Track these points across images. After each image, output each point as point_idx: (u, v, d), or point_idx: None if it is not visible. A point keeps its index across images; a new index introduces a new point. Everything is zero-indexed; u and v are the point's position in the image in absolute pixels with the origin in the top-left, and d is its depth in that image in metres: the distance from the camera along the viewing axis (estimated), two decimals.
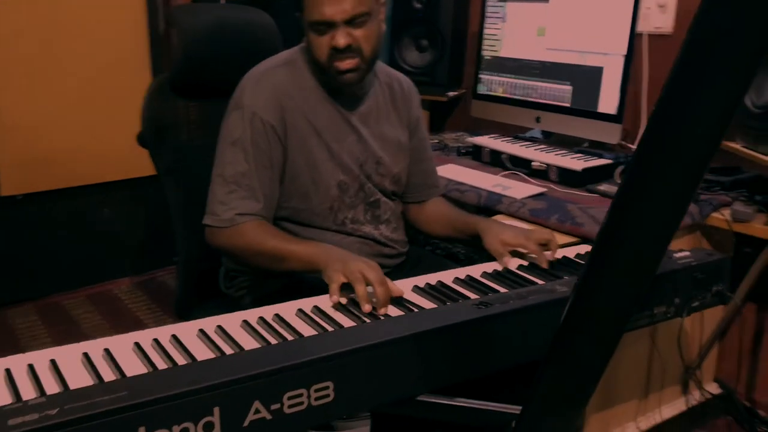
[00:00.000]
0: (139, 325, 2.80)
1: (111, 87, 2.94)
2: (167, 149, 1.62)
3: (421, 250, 1.86)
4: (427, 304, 1.24)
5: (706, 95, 0.78)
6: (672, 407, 2.10)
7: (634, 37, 2.05)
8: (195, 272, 1.68)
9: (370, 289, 1.21)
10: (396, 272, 1.66)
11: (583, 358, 1.03)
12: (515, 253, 1.50)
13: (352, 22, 1.40)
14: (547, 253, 1.44)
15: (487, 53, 2.49)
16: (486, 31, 2.48)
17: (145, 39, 2.99)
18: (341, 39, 1.40)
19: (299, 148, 1.48)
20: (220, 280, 1.66)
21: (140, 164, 3.05)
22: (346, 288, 1.23)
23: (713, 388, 2.20)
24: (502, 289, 1.31)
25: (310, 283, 1.42)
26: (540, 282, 1.36)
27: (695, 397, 2.17)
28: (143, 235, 3.22)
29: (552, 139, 2.41)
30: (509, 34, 2.41)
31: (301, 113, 1.48)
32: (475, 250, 1.85)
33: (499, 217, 1.93)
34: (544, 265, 1.41)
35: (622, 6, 2.06)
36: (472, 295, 1.28)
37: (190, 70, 1.62)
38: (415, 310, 1.20)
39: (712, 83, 0.77)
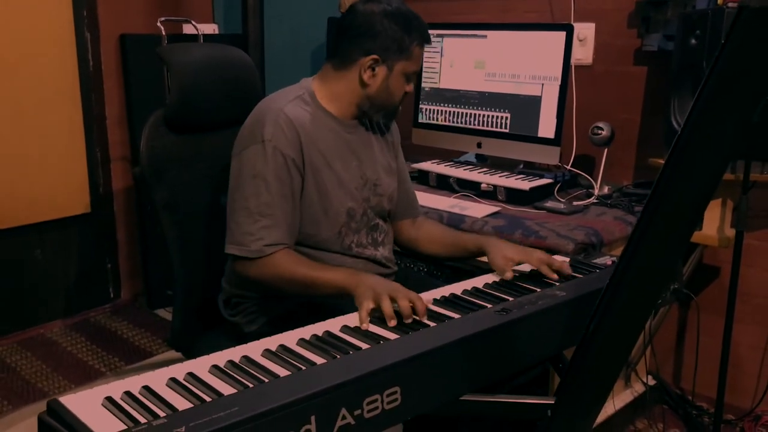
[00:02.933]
0: (83, 367, 2.73)
1: (40, 126, 2.87)
2: (165, 184, 1.65)
3: (406, 269, 1.98)
4: (453, 314, 1.36)
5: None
6: (620, 399, 2.32)
7: (569, 67, 2.28)
8: (193, 304, 1.71)
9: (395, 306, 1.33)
10: None
11: (612, 348, 1.20)
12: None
13: None
14: (563, 265, 1.55)
15: (426, 85, 2.66)
16: (425, 64, 2.65)
17: (75, 76, 2.95)
18: (413, 87, 1.69)
19: (313, 178, 1.58)
20: (221, 307, 1.70)
21: (70, 204, 3.01)
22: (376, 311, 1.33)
23: (649, 381, 2.44)
24: (509, 298, 1.45)
25: (315, 306, 1.50)
26: (537, 289, 1.51)
27: (636, 389, 2.40)
28: (74, 274, 3.13)
29: (489, 162, 2.61)
30: (447, 66, 2.60)
31: (314, 145, 1.57)
32: (452, 270, 2.01)
33: None
34: (553, 278, 1.53)
35: (556, 40, 2.29)
36: (486, 304, 1.41)
37: (184, 106, 1.67)
38: (445, 320, 1.32)
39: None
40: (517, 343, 1.35)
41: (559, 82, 2.30)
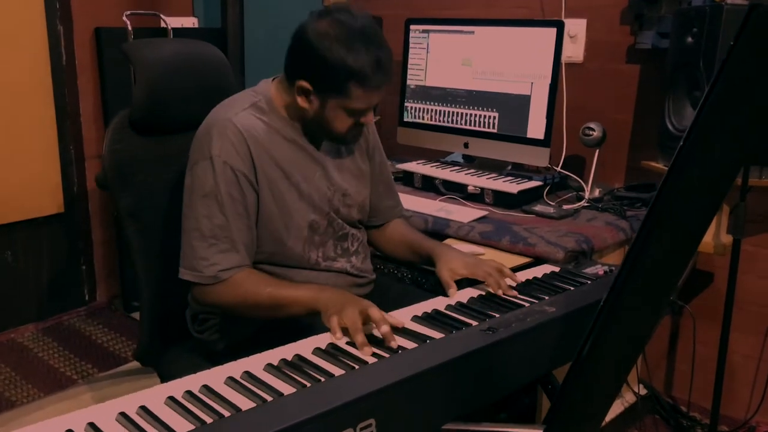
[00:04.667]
0: (54, 374, 2.62)
1: (9, 122, 2.76)
2: (129, 190, 1.55)
3: (386, 277, 1.89)
4: (435, 333, 1.27)
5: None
6: (612, 409, 2.24)
7: (559, 65, 2.19)
8: (159, 317, 1.61)
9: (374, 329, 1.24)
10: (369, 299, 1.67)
11: (610, 369, 1.11)
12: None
13: None
14: (507, 281, 1.47)
15: (412, 82, 2.57)
16: (410, 61, 2.56)
17: (47, 71, 2.83)
18: (371, 119, 1.50)
19: (270, 192, 1.47)
20: (189, 323, 1.60)
21: (41, 203, 2.90)
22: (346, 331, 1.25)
23: (640, 390, 2.36)
24: (496, 314, 1.36)
25: (283, 325, 1.41)
26: (525, 303, 1.42)
27: (627, 399, 2.32)
28: (47, 277, 3.02)
29: (476, 163, 2.52)
30: (434, 63, 2.50)
31: (269, 157, 1.46)
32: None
33: (449, 241, 2.00)
34: (500, 293, 1.44)
35: (545, 37, 2.20)
36: (472, 321, 1.32)
37: (150, 106, 1.56)
38: (427, 341, 1.23)
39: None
40: (504, 364, 1.26)
41: (549, 81, 2.21)
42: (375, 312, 1.24)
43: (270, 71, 1.58)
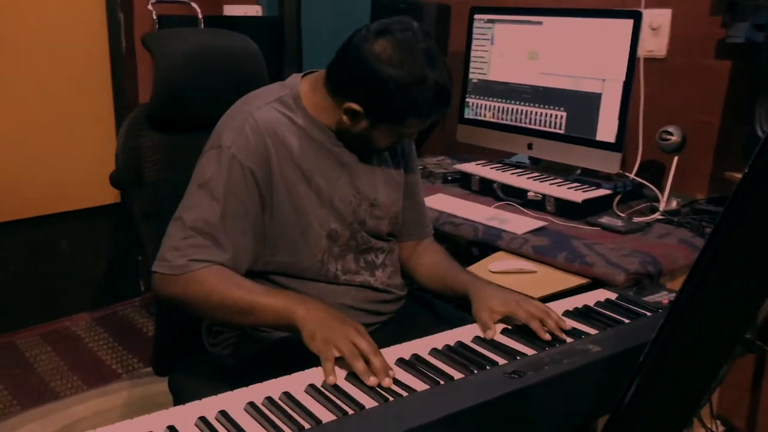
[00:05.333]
0: (100, 367, 2.60)
1: (69, 112, 2.74)
2: (144, 189, 1.45)
3: (423, 294, 1.72)
4: (452, 371, 1.10)
5: None
6: None
7: (634, 61, 1.96)
8: (174, 325, 1.51)
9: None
10: (395, 320, 1.52)
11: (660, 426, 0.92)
12: None
13: None
14: (560, 323, 1.26)
15: (474, 76, 2.38)
16: (473, 53, 2.37)
17: (106, 61, 2.80)
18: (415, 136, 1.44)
19: (286, 196, 1.33)
20: (203, 335, 1.49)
21: (98, 193, 2.88)
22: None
23: (716, 426, 2.11)
24: (530, 351, 1.18)
25: (294, 343, 1.26)
26: (567, 339, 1.23)
27: None
28: (103, 267, 3.01)
29: (541, 166, 2.31)
30: (498, 56, 2.30)
31: (289, 157, 1.32)
32: None
33: (499, 254, 1.82)
34: (544, 338, 1.24)
35: (621, 29, 1.97)
36: (499, 360, 1.15)
37: (169, 102, 1.46)
38: (441, 381, 1.07)
39: None
40: (531, 415, 1.08)
41: (623, 78, 1.98)
42: (363, 343, 1.09)
43: (328, 60, 1.44)
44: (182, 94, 1.47)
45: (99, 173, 2.85)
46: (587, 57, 2.06)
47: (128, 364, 2.62)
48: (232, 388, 1.05)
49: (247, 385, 1.06)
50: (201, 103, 1.50)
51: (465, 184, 2.30)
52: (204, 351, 1.48)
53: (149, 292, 3.17)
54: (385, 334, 1.47)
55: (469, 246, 2.21)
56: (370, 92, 1.27)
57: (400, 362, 1.13)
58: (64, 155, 2.76)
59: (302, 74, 1.42)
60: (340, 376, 1.07)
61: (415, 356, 1.15)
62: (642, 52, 2.19)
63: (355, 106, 1.29)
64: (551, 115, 2.17)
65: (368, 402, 1.01)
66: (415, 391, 1.04)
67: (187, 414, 0.96)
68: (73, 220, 2.86)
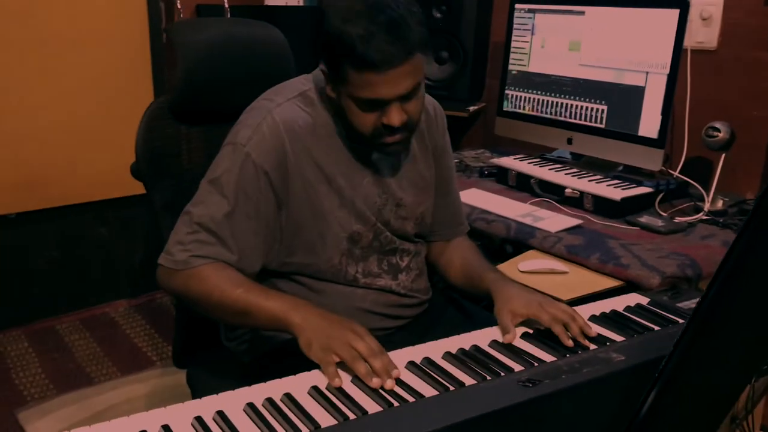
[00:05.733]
0: (135, 354, 2.62)
1: (106, 101, 2.77)
2: (165, 181, 1.44)
3: (451, 293, 1.66)
4: (464, 377, 1.06)
5: None
6: None
7: (680, 53, 1.86)
8: (192, 319, 1.50)
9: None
10: (415, 324, 1.47)
11: None
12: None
13: (405, 96, 1.21)
14: (586, 329, 1.20)
15: (513, 67, 2.31)
16: (513, 43, 2.29)
17: (146, 51, 2.82)
18: (396, 118, 1.21)
19: (305, 196, 1.28)
20: (221, 329, 1.47)
21: (137, 182, 2.90)
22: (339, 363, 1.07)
23: None
24: (549, 358, 1.12)
25: None
26: (590, 346, 1.17)
27: None
28: (141, 254, 3.04)
29: (582, 162, 2.22)
30: (539, 47, 2.23)
31: (308, 156, 1.28)
32: None
33: (530, 253, 1.75)
34: (567, 344, 1.17)
35: (666, 20, 1.87)
36: (515, 366, 1.10)
37: (191, 92, 1.44)
38: (451, 387, 1.02)
39: None
40: (544, 427, 1.02)
41: (668, 71, 1.88)
42: (361, 345, 1.05)
43: None
44: (204, 85, 1.45)
45: None
46: (630, 48, 1.97)
47: (162, 351, 2.64)
48: (247, 384, 1.03)
49: (262, 381, 1.03)
50: (224, 94, 1.48)
51: (502, 179, 2.23)
52: (221, 345, 1.46)
53: None
54: (408, 335, 1.43)
55: (503, 243, 2.15)
56: (323, 42, 1.18)
57: (411, 366, 1.09)
58: (104, 145, 2.79)
59: None
60: (345, 379, 1.04)
61: (427, 360, 1.10)
62: (691, 43, 2.09)
63: (323, 66, 1.22)
64: (592, 109, 2.09)
65: (372, 406, 0.97)
66: (422, 396, 1.00)
67: (183, 412, 0.94)
68: (112, 208, 2.89)
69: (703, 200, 1.94)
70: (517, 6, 2.28)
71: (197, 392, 1.41)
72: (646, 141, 1.96)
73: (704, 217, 1.88)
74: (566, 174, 2.08)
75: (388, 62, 1.14)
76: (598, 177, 2.04)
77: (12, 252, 2.73)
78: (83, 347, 2.66)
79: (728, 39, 2.10)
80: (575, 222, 1.83)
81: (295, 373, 1.06)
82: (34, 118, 2.62)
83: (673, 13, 1.86)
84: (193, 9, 2.93)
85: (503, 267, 1.66)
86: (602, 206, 1.91)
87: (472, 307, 1.58)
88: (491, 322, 1.28)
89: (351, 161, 1.33)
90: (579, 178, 2.04)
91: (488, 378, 1.05)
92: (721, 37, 2.10)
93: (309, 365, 1.09)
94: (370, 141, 1.27)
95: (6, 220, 2.67)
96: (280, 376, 1.06)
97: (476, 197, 2.05)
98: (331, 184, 1.30)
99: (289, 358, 1.14)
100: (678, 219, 1.86)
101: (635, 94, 1.97)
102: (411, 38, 1.15)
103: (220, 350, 1.46)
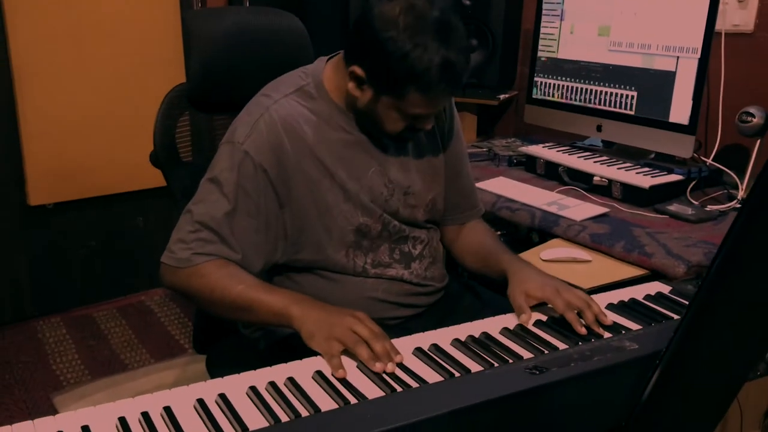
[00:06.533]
0: (169, 341, 2.67)
1: (142, 91, 2.81)
2: (184, 169, 1.46)
3: (464, 282, 1.65)
4: (471, 363, 1.04)
5: None
6: None
7: (711, 37, 1.81)
8: None
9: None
10: (431, 312, 1.46)
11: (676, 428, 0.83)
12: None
13: None
14: (601, 317, 1.18)
15: (543, 54, 2.27)
16: (542, 30, 2.26)
17: (178, 42, 2.85)
18: (430, 125, 1.30)
19: (307, 192, 1.28)
20: None
21: None
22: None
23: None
24: (561, 345, 1.10)
25: None
26: (604, 334, 1.15)
27: None
28: None
29: (614, 149, 2.18)
30: (568, 33, 2.18)
31: (309, 151, 1.28)
32: None
33: (554, 242, 1.73)
34: (580, 331, 1.16)
35: (697, 2, 1.82)
36: (525, 353, 1.08)
37: (208, 81, 1.45)
38: (457, 373, 1.01)
39: None
40: (552, 415, 1.01)
41: (699, 55, 1.83)
42: (363, 330, 1.06)
43: None
44: (220, 75, 1.46)
45: None
46: (661, 32, 1.92)
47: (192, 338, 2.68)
48: None
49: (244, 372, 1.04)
50: (240, 83, 1.48)
51: (530, 167, 2.20)
52: (238, 332, 1.48)
53: None
54: (423, 323, 1.42)
55: (529, 232, 2.12)
56: (372, 54, 1.19)
57: (418, 352, 1.08)
58: (140, 136, 2.82)
59: (327, 58, 1.37)
60: (350, 368, 1.03)
61: (434, 346, 1.09)
62: (726, 26, 2.03)
63: (358, 70, 1.22)
64: (621, 95, 2.05)
65: (374, 391, 0.97)
66: (425, 382, 0.99)
67: (187, 395, 0.95)
68: (148, 198, 2.94)
69: (737, 188, 1.88)
70: None
71: (216, 377, 1.42)
72: (677, 127, 1.90)
73: (737, 205, 1.82)
74: (595, 162, 2.04)
75: (452, 92, 1.26)
76: (628, 165, 1.99)
77: (50, 242, 2.80)
78: (119, 335, 2.72)
79: (765, 22, 2.03)
80: (601, 210, 1.80)
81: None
82: (69, 110, 2.68)
83: None
84: (225, 2, 2.96)
85: (525, 255, 1.64)
86: (630, 194, 1.87)
87: (489, 294, 1.56)
88: (508, 309, 1.26)
89: (355, 153, 1.33)
90: (608, 165, 2.00)
91: (495, 365, 1.03)
92: (758, 19, 2.03)
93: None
94: (393, 137, 1.30)
95: (44, 210, 2.73)
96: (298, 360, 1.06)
97: (502, 185, 2.02)
98: (333, 178, 1.30)
99: (303, 344, 1.14)
100: (709, 207, 1.81)
101: (666, 79, 1.91)
102: (468, 69, 1.23)
103: (237, 337, 1.47)
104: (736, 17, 2.05)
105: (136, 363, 2.52)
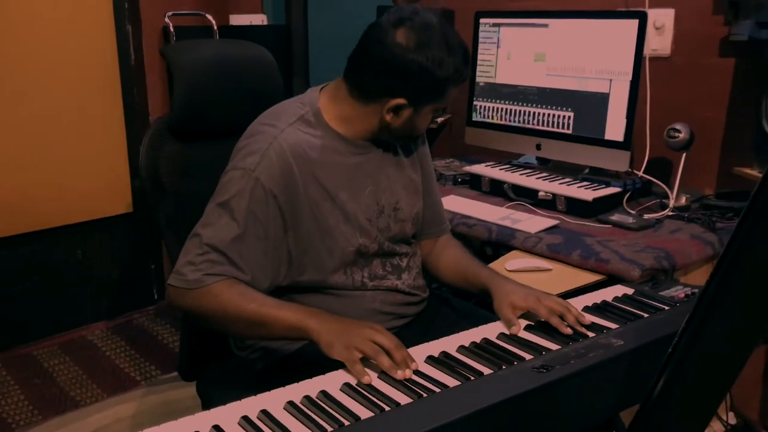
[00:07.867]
0: (118, 375, 2.63)
1: (79, 122, 2.78)
2: (168, 198, 1.48)
3: (441, 292, 1.75)
4: (481, 367, 1.14)
5: None
6: None
7: (641, 60, 1.99)
8: (200, 330, 1.54)
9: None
10: (417, 322, 1.55)
11: (689, 410, 0.95)
12: None
13: None
14: (580, 317, 1.30)
15: (481, 79, 2.41)
16: (480, 56, 2.40)
17: (116, 71, 2.84)
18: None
19: (311, 216, 1.35)
20: (231, 339, 1.52)
21: (111, 203, 2.92)
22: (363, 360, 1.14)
23: (730, 418, 2.14)
24: (554, 346, 1.21)
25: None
26: (589, 334, 1.27)
27: (715, 429, 2.11)
28: (117, 276, 3.04)
29: (550, 166, 2.34)
30: (504, 59, 2.34)
31: (313, 178, 1.35)
32: None
33: (515, 253, 1.85)
34: (566, 332, 1.27)
35: (627, 30, 2.00)
36: (525, 355, 1.18)
37: (190, 112, 1.49)
38: (471, 377, 1.10)
39: None
40: (560, 408, 1.11)
41: (630, 78, 2.02)
42: (383, 339, 1.13)
43: (335, 68, 1.47)
44: (202, 105, 1.51)
45: (112, 184, 2.91)
46: (594, 57, 2.09)
47: (146, 371, 2.65)
48: (260, 391, 1.07)
49: (276, 388, 1.08)
50: (220, 112, 1.53)
51: (475, 186, 2.33)
52: (231, 355, 1.51)
53: (163, 300, 3.21)
54: (409, 333, 1.50)
55: (483, 246, 2.25)
56: (412, 82, 1.31)
57: (430, 360, 1.16)
58: (77, 167, 2.80)
59: (320, 88, 1.45)
60: (372, 376, 1.10)
61: (444, 353, 1.18)
62: (647, 51, 2.23)
63: (399, 101, 1.33)
64: (559, 116, 2.21)
65: (402, 398, 1.04)
66: (447, 387, 1.07)
67: (230, 414, 1.00)
68: (86, 230, 2.89)
69: (667, 197, 2.07)
70: (482, 20, 2.39)
71: (209, 402, 1.45)
72: (612, 144, 2.08)
73: (670, 213, 2.00)
74: (537, 178, 2.19)
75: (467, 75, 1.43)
76: (568, 179, 2.15)
77: None
78: (64, 371, 2.65)
79: (680, 46, 2.25)
80: (552, 222, 1.94)
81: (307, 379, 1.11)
82: (5, 143, 2.61)
83: (633, 23, 1.99)
84: (160, 31, 2.97)
85: (492, 266, 1.75)
86: (575, 207, 2.03)
87: (463, 304, 1.67)
88: (485, 317, 1.37)
89: (352, 175, 1.41)
90: (550, 181, 2.15)
91: (504, 367, 1.13)
92: (674, 44, 2.25)
93: (323, 370, 1.14)
94: (417, 137, 1.49)
95: None
96: (293, 383, 1.11)
97: (455, 203, 2.14)
98: (335, 201, 1.37)
99: (303, 364, 1.20)
100: (647, 216, 1.98)
101: (600, 101, 2.09)
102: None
103: (228, 360, 1.51)
104: (655, 42, 2.26)
105: (88, 399, 2.47)
